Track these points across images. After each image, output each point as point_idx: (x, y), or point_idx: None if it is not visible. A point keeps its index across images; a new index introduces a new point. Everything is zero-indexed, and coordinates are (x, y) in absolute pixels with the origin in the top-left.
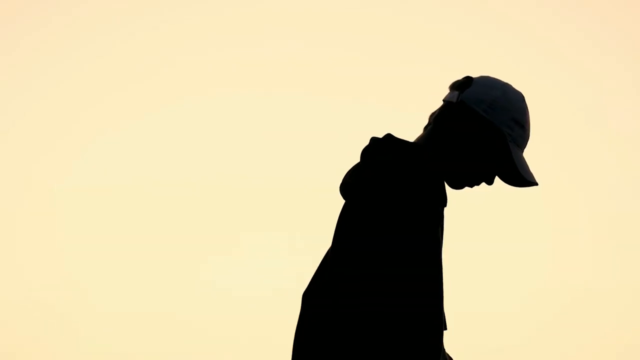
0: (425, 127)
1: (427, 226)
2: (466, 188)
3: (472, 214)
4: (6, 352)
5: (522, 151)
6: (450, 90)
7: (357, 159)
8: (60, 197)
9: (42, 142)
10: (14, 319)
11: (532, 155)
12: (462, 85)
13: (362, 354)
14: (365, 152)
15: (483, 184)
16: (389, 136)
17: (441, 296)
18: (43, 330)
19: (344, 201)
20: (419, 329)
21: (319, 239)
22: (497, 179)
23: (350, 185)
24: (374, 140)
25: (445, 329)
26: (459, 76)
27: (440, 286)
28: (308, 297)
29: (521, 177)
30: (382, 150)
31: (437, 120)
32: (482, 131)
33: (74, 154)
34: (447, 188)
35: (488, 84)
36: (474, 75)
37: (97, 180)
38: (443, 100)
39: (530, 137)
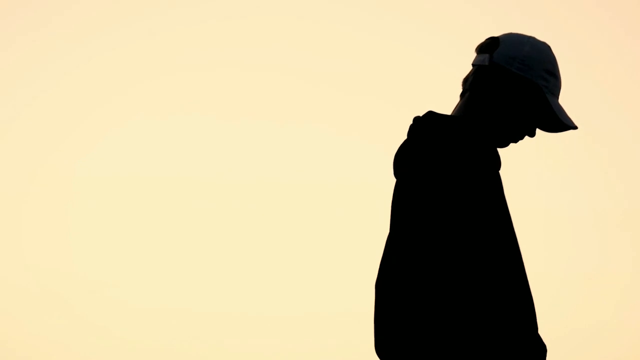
0: (461, 95)
1: (487, 195)
2: (510, 145)
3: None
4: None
5: (558, 98)
6: (477, 53)
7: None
8: (73, 189)
9: (54, 134)
10: (31, 313)
11: None
12: (490, 47)
13: (447, 337)
14: (411, 131)
15: (526, 137)
16: (430, 113)
17: (523, 275)
18: (56, 323)
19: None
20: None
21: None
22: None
23: (402, 163)
24: (416, 119)
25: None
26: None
27: (520, 265)
28: (381, 285)
29: (562, 124)
30: (426, 128)
31: (473, 85)
32: (519, 88)
33: (87, 145)
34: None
35: (515, 40)
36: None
37: (112, 172)
38: (473, 65)
39: (562, 83)
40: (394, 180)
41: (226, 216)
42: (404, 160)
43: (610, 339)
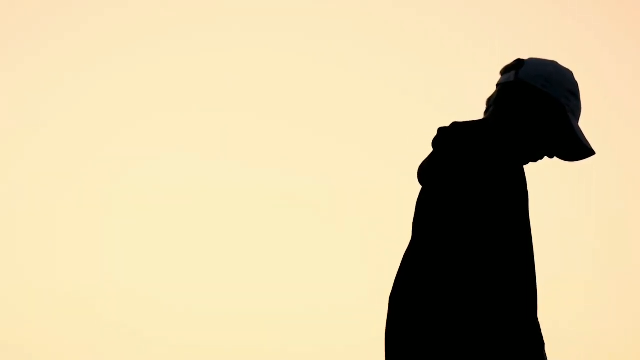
0: (485, 112)
1: (510, 204)
2: (530, 163)
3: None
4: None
5: (578, 121)
6: (502, 74)
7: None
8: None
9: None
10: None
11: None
12: (516, 67)
13: (458, 353)
14: (436, 142)
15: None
16: (455, 124)
17: (534, 283)
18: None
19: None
20: (513, 326)
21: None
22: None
23: (428, 171)
24: (441, 129)
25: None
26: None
27: (532, 271)
28: (397, 299)
29: (580, 145)
30: (452, 136)
31: (499, 101)
32: (543, 104)
33: (130, 156)
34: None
35: (539, 62)
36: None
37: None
38: (497, 85)
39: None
40: (381, 185)
41: (232, 220)
42: (432, 171)
43: (574, 343)
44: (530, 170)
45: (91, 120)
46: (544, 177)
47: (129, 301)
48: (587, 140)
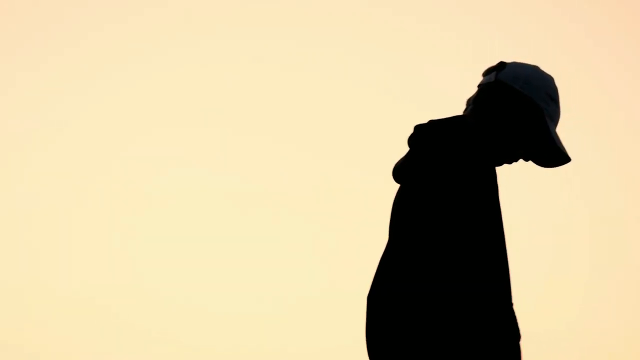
0: (464, 112)
1: (484, 202)
2: (505, 165)
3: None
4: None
5: (556, 126)
6: (484, 76)
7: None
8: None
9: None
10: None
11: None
12: (497, 68)
13: (438, 349)
14: (413, 139)
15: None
16: (432, 122)
17: (507, 276)
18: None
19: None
20: (490, 321)
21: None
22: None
23: (404, 169)
24: (418, 127)
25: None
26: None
27: (505, 265)
28: (374, 299)
29: (556, 150)
30: (429, 134)
31: (477, 100)
32: (520, 106)
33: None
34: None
35: (520, 65)
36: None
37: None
38: (478, 86)
39: (561, 115)
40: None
41: (226, 221)
42: (409, 169)
43: (566, 344)
44: (526, 171)
45: (103, 125)
46: (538, 178)
47: (131, 301)
48: (563, 146)
